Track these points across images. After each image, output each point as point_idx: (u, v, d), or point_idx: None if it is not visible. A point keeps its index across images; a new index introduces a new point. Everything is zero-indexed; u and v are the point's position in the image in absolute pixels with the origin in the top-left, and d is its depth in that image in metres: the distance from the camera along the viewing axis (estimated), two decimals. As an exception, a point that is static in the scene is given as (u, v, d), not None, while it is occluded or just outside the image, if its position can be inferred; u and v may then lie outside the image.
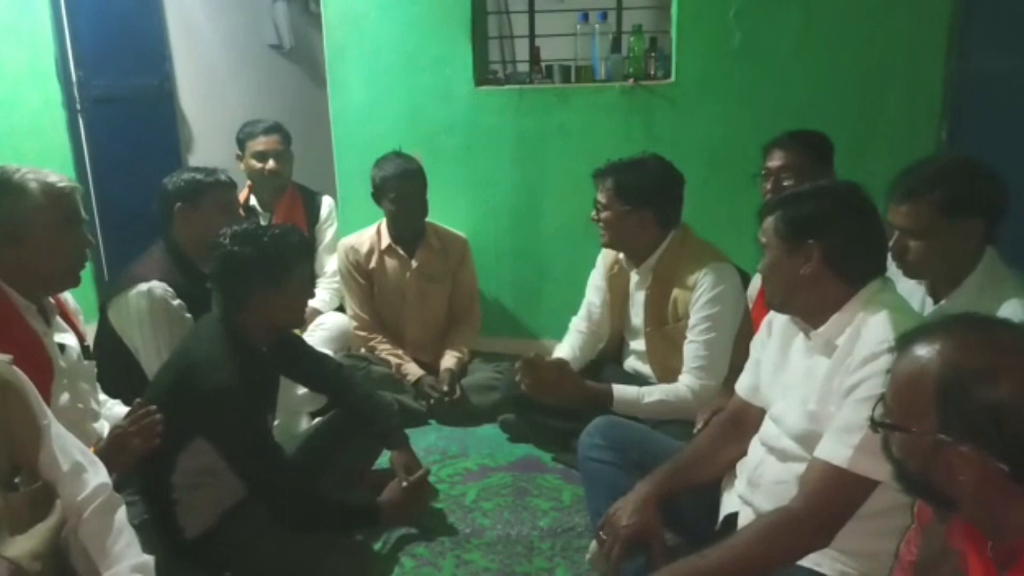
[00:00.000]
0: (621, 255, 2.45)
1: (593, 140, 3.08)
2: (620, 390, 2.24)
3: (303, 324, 2.75)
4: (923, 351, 0.99)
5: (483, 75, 3.26)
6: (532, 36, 3.52)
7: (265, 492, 1.88)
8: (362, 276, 3.03)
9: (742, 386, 1.75)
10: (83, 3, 3.45)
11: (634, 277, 2.44)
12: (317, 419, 2.42)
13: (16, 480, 1.20)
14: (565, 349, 2.55)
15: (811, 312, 1.51)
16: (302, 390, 2.39)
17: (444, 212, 3.12)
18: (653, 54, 3.11)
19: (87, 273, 3.26)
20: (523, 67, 3.43)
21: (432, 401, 2.84)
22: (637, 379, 2.44)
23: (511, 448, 2.67)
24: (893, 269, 1.67)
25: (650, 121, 3.07)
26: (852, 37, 2.89)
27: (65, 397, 1.76)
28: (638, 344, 2.46)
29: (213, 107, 4.34)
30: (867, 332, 1.40)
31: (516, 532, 2.19)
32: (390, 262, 3.01)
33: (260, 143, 3.10)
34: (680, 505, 1.71)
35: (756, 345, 1.74)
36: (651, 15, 3.64)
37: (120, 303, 2.18)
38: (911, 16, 2.84)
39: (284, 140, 3.15)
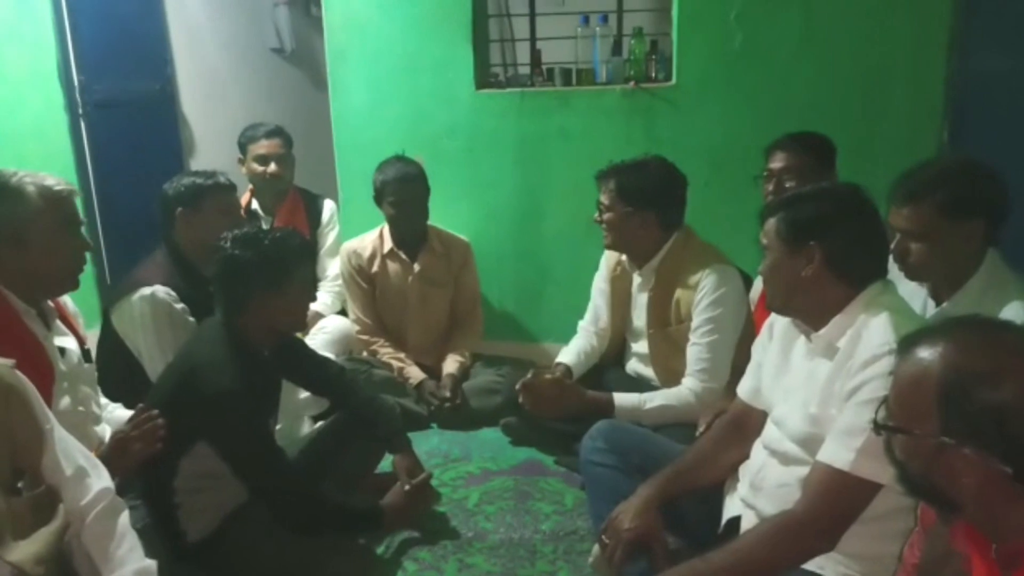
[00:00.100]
0: (624, 257, 2.45)
1: (594, 143, 3.08)
2: (621, 398, 2.25)
3: (305, 328, 2.77)
4: (925, 353, 0.98)
5: (484, 78, 3.27)
6: (533, 39, 3.53)
7: (267, 496, 1.88)
8: (364, 280, 3.03)
9: (744, 389, 1.75)
10: (85, 7, 3.46)
11: (637, 279, 2.44)
12: (319, 423, 2.42)
13: (19, 484, 1.20)
14: (571, 354, 2.55)
15: (812, 314, 1.51)
16: (304, 394, 2.39)
17: (445, 215, 3.12)
18: (654, 57, 3.11)
19: (89, 277, 3.29)
20: (524, 70, 3.43)
21: (433, 408, 2.84)
22: (639, 382, 2.44)
23: (513, 452, 2.67)
24: (895, 271, 1.67)
25: (651, 124, 3.07)
26: (853, 38, 2.89)
27: (66, 400, 1.76)
28: (640, 346, 2.46)
29: (215, 111, 4.35)
30: (868, 334, 1.40)
31: (519, 536, 2.19)
32: (392, 266, 3.01)
33: (262, 147, 3.11)
34: (682, 508, 1.71)
35: (757, 348, 1.74)
36: (652, 18, 3.64)
37: (123, 307, 2.19)
38: (912, 17, 2.84)
39: (286, 144, 3.16)
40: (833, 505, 1.36)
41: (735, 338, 2.24)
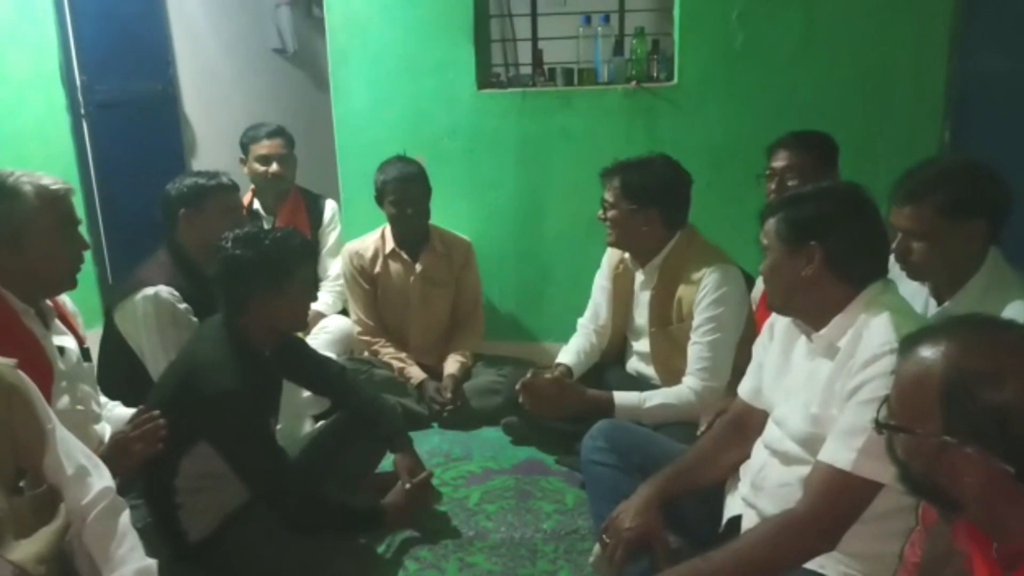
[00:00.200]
0: (626, 255, 2.45)
1: (596, 143, 3.08)
2: (621, 397, 2.24)
3: (306, 327, 2.77)
4: (927, 352, 0.98)
5: (486, 78, 3.27)
6: (535, 39, 3.53)
7: (268, 496, 1.88)
8: (367, 281, 3.03)
9: (744, 389, 1.74)
10: (87, 8, 3.46)
11: (639, 277, 2.44)
12: (320, 423, 2.42)
13: (21, 484, 1.20)
14: (570, 354, 2.55)
15: (812, 314, 1.51)
16: (305, 393, 2.39)
17: (447, 215, 3.12)
18: (655, 56, 3.12)
19: (90, 276, 3.30)
20: (526, 70, 3.44)
21: (434, 409, 2.85)
22: (640, 381, 2.44)
23: (514, 451, 2.67)
24: (896, 271, 1.67)
25: (653, 123, 3.07)
26: (854, 38, 2.89)
27: (65, 400, 1.76)
28: (641, 345, 2.46)
29: (216, 111, 4.35)
30: (869, 334, 1.39)
31: (520, 535, 2.19)
32: (394, 266, 3.02)
33: (263, 147, 3.11)
34: (683, 508, 1.71)
35: (758, 348, 1.74)
36: (653, 18, 3.65)
37: (126, 308, 2.19)
38: (913, 17, 2.84)
39: (287, 144, 3.16)
40: (834, 505, 1.36)
41: (736, 337, 2.24)
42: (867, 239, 1.48)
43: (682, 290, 2.29)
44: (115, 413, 2.01)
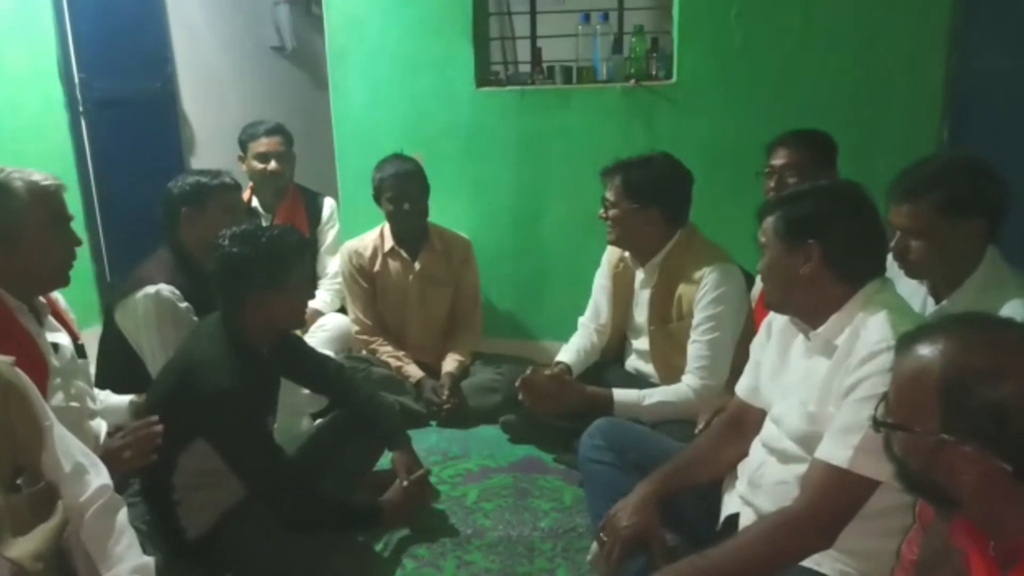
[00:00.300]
0: (627, 253, 2.45)
1: (595, 141, 3.08)
2: (620, 394, 2.25)
3: (304, 325, 2.76)
4: (926, 350, 0.98)
5: (484, 76, 3.27)
6: (533, 37, 3.53)
7: (266, 494, 1.88)
8: (365, 280, 3.03)
9: (742, 387, 1.75)
10: (85, 5, 3.46)
11: (639, 275, 2.44)
12: (318, 421, 2.42)
13: (18, 481, 1.20)
14: (570, 352, 2.55)
15: (810, 312, 1.51)
16: (303, 391, 2.39)
17: (445, 214, 3.12)
18: (654, 55, 3.12)
19: (89, 274, 3.29)
20: (524, 68, 3.43)
21: (432, 408, 2.85)
22: (639, 379, 2.44)
23: (512, 449, 2.67)
24: (895, 269, 1.67)
25: (652, 122, 3.07)
26: (853, 37, 2.89)
27: (60, 396, 1.75)
28: (641, 343, 2.46)
29: (215, 109, 4.35)
30: (866, 332, 1.39)
31: (517, 533, 2.19)
32: (393, 264, 3.01)
33: (262, 144, 3.11)
34: (680, 506, 1.71)
35: (756, 346, 1.74)
36: (652, 16, 3.64)
37: (127, 306, 2.19)
38: (912, 15, 2.84)
39: (286, 141, 3.16)
40: (831, 502, 1.36)
41: (735, 336, 2.24)
42: (865, 237, 1.48)
43: (682, 288, 2.29)
44: (109, 401, 2.01)
